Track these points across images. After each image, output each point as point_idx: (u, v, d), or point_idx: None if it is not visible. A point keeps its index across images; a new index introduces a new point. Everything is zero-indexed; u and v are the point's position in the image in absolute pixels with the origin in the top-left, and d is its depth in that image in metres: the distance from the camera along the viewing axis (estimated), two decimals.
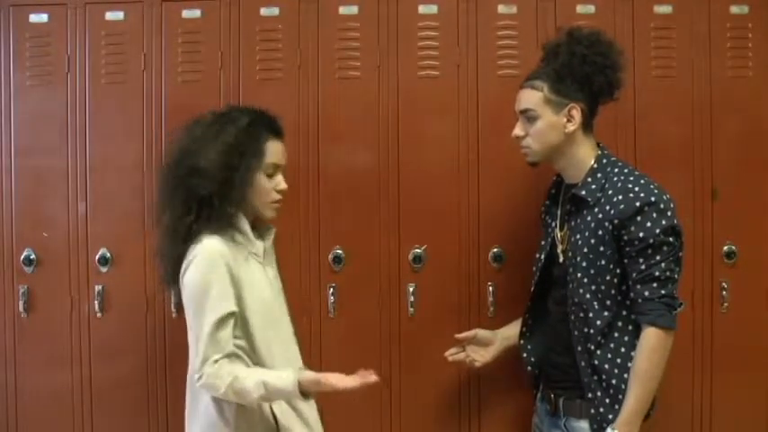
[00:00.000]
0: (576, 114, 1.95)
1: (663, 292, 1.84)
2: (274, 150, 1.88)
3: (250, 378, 1.72)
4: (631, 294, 1.88)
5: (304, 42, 2.46)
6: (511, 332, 2.21)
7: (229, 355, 1.75)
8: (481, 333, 2.21)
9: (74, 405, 2.48)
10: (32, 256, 2.48)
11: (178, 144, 1.86)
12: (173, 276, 1.85)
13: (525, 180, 2.36)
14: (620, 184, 1.90)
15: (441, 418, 2.46)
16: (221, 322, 1.74)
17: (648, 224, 1.84)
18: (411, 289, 2.43)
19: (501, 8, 2.45)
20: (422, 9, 2.45)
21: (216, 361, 1.73)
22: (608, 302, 1.90)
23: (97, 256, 2.47)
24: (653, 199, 1.86)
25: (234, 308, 1.77)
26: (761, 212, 2.45)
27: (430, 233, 2.44)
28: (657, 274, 1.84)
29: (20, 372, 2.49)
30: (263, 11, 2.47)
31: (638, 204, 1.85)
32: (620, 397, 1.88)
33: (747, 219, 2.44)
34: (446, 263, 2.44)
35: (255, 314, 1.81)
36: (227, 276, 1.76)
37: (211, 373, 1.73)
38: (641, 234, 1.84)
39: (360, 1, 2.45)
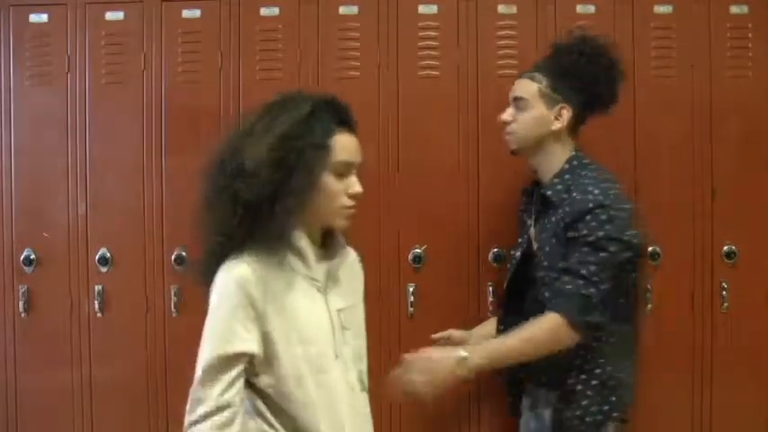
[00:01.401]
0: (566, 114, 1.97)
1: (584, 291, 1.79)
2: (345, 145, 1.52)
3: None
4: (556, 284, 1.84)
5: (304, 42, 2.46)
6: (486, 330, 2.20)
7: (223, 408, 1.42)
8: (455, 333, 2.19)
9: (74, 405, 2.48)
10: (32, 256, 2.48)
11: (225, 141, 1.54)
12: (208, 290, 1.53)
13: (525, 180, 2.36)
14: (582, 186, 1.90)
15: (441, 418, 2.46)
16: (221, 364, 1.42)
17: (594, 224, 1.82)
18: (411, 289, 2.43)
19: (501, 8, 2.45)
20: (422, 9, 2.46)
21: (206, 416, 1.41)
22: None
23: (97, 256, 2.47)
24: (607, 202, 1.84)
25: (244, 348, 1.43)
26: (761, 212, 2.45)
27: (430, 233, 2.44)
28: (585, 272, 1.80)
29: (20, 372, 2.49)
30: (263, 11, 2.47)
31: (590, 206, 1.84)
32: (584, 402, 1.89)
33: (747, 219, 2.44)
34: (446, 263, 2.44)
35: (292, 357, 1.46)
36: (244, 311, 1.43)
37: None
38: (584, 231, 1.82)
39: (360, 1, 2.45)
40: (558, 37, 2.11)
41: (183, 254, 2.45)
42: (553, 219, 1.94)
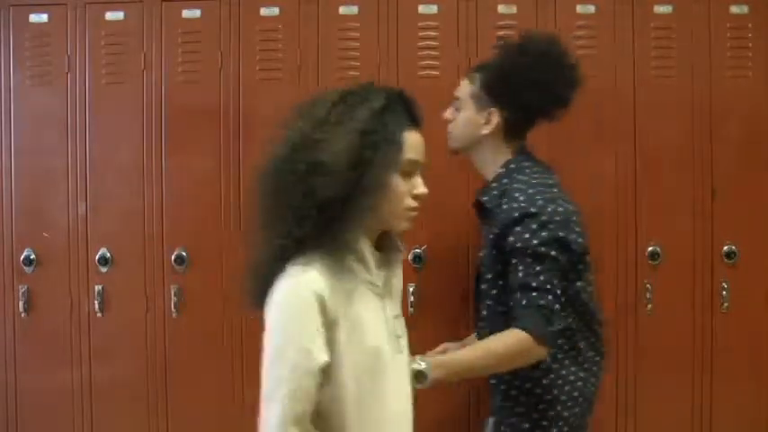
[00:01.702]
0: (494, 119, 1.90)
1: (541, 302, 1.73)
2: (413, 143, 1.42)
3: None
4: (510, 303, 1.78)
5: (304, 42, 2.46)
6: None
7: None
8: (450, 346, 2.12)
9: (74, 405, 2.48)
10: (32, 256, 2.48)
11: (293, 131, 1.37)
12: (260, 299, 1.39)
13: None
14: (513, 193, 1.83)
15: (440, 418, 2.46)
16: (302, 381, 1.30)
17: (526, 235, 1.76)
18: (411, 289, 2.43)
19: (501, 8, 2.45)
20: (422, 9, 2.45)
21: None
22: (485, 312, 1.89)
23: (97, 256, 2.47)
24: (533, 210, 1.77)
25: (324, 358, 1.32)
26: (761, 212, 2.45)
27: (430, 233, 2.44)
28: (535, 284, 1.73)
29: (20, 372, 2.49)
30: (263, 11, 2.47)
31: (516, 215, 1.78)
32: (513, 420, 1.87)
33: (747, 219, 2.44)
34: (446, 263, 2.44)
35: (353, 368, 1.36)
36: (317, 320, 1.31)
37: None
38: (519, 244, 1.76)
39: (360, 1, 2.45)
40: (506, 36, 2.07)
41: (183, 254, 2.45)
42: (490, 226, 1.88)
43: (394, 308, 1.50)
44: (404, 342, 1.51)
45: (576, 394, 1.87)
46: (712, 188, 2.44)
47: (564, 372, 1.85)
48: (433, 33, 2.45)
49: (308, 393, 1.31)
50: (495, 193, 1.89)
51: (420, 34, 2.45)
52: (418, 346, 2.42)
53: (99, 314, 2.47)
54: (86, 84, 2.48)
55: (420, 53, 2.45)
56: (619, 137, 2.42)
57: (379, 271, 1.45)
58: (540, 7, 2.44)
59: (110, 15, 2.48)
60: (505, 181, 1.89)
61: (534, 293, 1.74)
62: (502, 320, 1.82)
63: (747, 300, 2.43)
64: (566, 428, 1.86)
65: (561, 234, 1.77)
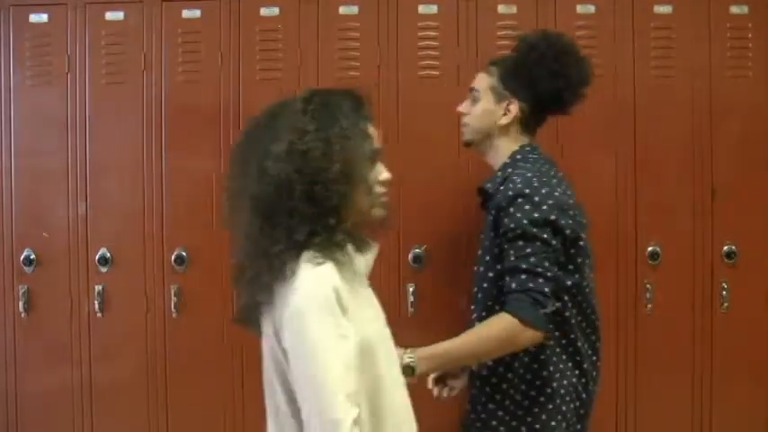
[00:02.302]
0: (513, 110, 1.93)
1: (531, 285, 1.72)
2: (375, 133, 1.51)
3: None
4: (503, 286, 1.78)
5: (304, 42, 2.46)
6: None
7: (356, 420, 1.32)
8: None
9: (74, 405, 2.48)
10: (32, 256, 2.48)
11: (272, 143, 1.39)
12: (260, 306, 1.43)
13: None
14: (511, 178, 1.86)
15: (440, 418, 2.46)
16: (348, 370, 1.34)
17: (518, 215, 1.77)
18: (411, 289, 2.43)
19: (501, 8, 2.45)
20: (422, 9, 2.46)
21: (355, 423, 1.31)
22: (480, 295, 1.88)
23: (97, 256, 2.47)
24: (527, 191, 1.78)
25: (356, 337, 1.38)
26: (761, 212, 2.45)
27: (430, 233, 2.44)
28: (526, 266, 1.73)
29: (20, 372, 2.49)
30: (263, 11, 2.47)
31: (510, 194, 1.80)
32: (491, 406, 1.86)
33: (747, 219, 2.44)
34: (446, 263, 2.44)
35: (363, 357, 1.40)
36: (340, 311, 1.36)
37: None
38: (512, 225, 1.77)
39: (360, 1, 2.45)
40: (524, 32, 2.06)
41: (183, 254, 2.45)
42: (489, 211, 1.91)
43: (373, 298, 1.57)
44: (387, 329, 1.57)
45: (571, 389, 1.86)
46: (712, 188, 2.44)
47: (562, 366, 1.85)
48: (433, 33, 2.45)
49: (356, 374, 1.35)
50: (498, 180, 1.92)
51: (420, 34, 2.45)
52: (418, 345, 2.43)
53: (99, 314, 2.47)
54: (86, 84, 2.48)
55: (420, 53, 2.45)
56: (619, 137, 2.42)
57: (362, 262, 1.51)
58: (540, 7, 2.44)
59: (110, 15, 2.48)
60: (510, 170, 1.92)
61: (524, 276, 1.74)
62: (496, 304, 1.83)
63: (747, 300, 2.43)
64: (563, 424, 1.85)
65: (553, 217, 1.77)
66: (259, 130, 1.44)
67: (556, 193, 1.81)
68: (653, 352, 2.41)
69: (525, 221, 1.76)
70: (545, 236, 1.76)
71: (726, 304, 2.43)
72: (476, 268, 1.93)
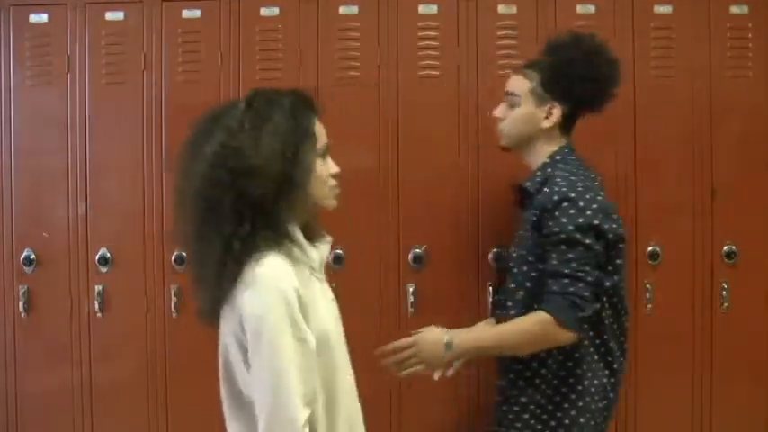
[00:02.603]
0: (556, 113, 1.96)
1: (571, 289, 1.78)
2: (321, 129, 1.54)
3: None
4: (546, 288, 1.82)
5: (304, 42, 2.46)
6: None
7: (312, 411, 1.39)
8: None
9: (74, 405, 2.48)
10: (32, 256, 2.48)
11: (210, 144, 1.43)
12: (217, 306, 1.47)
13: (525, 180, 2.36)
14: (553, 180, 1.89)
15: (441, 418, 2.46)
16: (302, 372, 1.37)
17: (563, 219, 1.80)
18: (411, 289, 2.43)
19: (501, 8, 2.45)
20: (422, 9, 2.46)
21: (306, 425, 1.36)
22: (521, 293, 1.90)
23: (97, 256, 2.47)
24: (572, 195, 1.82)
25: (313, 340, 1.41)
26: (761, 212, 2.45)
27: (430, 233, 2.44)
28: (568, 271, 1.78)
29: (20, 372, 2.49)
30: (263, 11, 2.47)
31: (555, 198, 1.83)
32: (523, 400, 1.88)
33: (747, 219, 2.44)
34: (446, 263, 2.44)
35: (318, 352, 1.44)
36: (297, 306, 1.39)
37: None
38: (556, 229, 1.81)
39: (360, 1, 2.45)
40: (554, 35, 2.09)
41: (183, 254, 2.44)
42: (532, 210, 1.92)
43: (329, 292, 1.60)
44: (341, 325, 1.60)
45: (600, 389, 1.89)
46: (712, 188, 2.44)
47: (594, 365, 1.89)
48: (433, 33, 2.45)
49: (311, 374, 1.39)
50: (538, 179, 1.94)
51: (420, 34, 2.45)
52: None
53: (99, 314, 2.47)
54: (86, 84, 2.48)
55: (420, 53, 2.45)
56: (619, 137, 2.42)
57: (316, 256, 1.54)
58: (540, 7, 2.44)
59: (110, 15, 2.48)
60: (549, 170, 1.94)
61: (565, 280, 1.78)
62: (535, 302, 1.86)
63: (747, 300, 2.43)
64: (591, 422, 1.88)
65: (596, 222, 1.81)
66: (199, 132, 1.47)
67: (599, 198, 1.85)
68: (653, 352, 2.41)
69: (570, 227, 1.80)
70: (588, 241, 1.80)
71: (726, 304, 2.43)
72: (513, 267, 1.94)
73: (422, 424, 2.47)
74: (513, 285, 1.93)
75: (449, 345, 1.84)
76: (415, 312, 2.43)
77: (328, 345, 1.48)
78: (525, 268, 1.91)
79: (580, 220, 1.80)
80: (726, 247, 2.43)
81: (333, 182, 1.56)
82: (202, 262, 1.45)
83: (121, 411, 2.48)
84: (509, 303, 1.94)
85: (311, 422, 1.39)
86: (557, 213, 1.82)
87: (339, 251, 2.43)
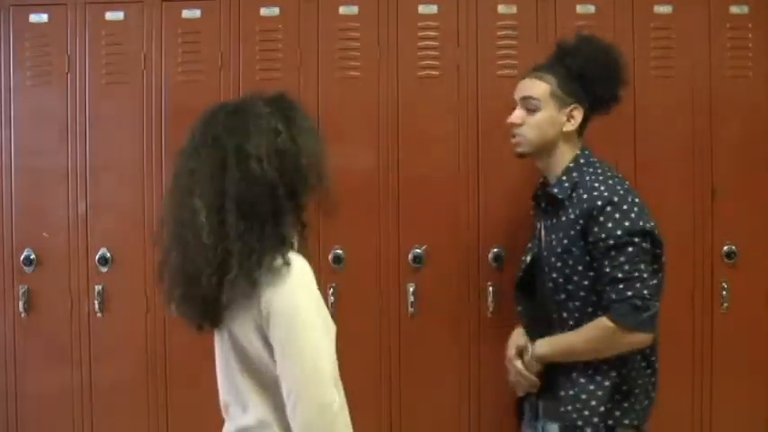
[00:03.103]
0: (578, 115, 1.97)
1: (629, 293, 1.80)
2: None
3: None
4: (603, 297, 1.85)
5: (304, 42, 2.46)
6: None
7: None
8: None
9: (74, 405, 2.48)
10: (32, 256, 2.48)
11: (247, 144, 1.45)
12: (237, 301, 1.46)
13: (525, 180, 2.36)
14: (588, 184, 1.90)
15: (441, 418, 2.46)
16: (333, 358, 1.47)
17: (609, 224, 1.83)
18: (411, 289, 2.43)
19: (501, 8, 2.45)
20: (422, 9, 2.45)
21: (341, 407, 1.45)
22: (578, 303, 1.90)
23: (97, 256, 2.47)
24: (615, 199, 1.84)
25: (335, 330, 1.51)
26: (761, 212, 2.45)
27: (430, 233, 2.44)
28: (621, 275, 1.81)
29: (20, 372, 2.49)
30: (263, 11, 2.47)
31: (599, 203, 1.84)
32: (584, 397, 1.87)
33: (747, 219, 2.44)
34: (446, 263, 2.44)
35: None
36: (321, 298, 1.50)
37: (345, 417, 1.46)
38: (602, 235, 1.83)
39: (360, 1, 2.45)
40: (560, 37, 2.10)
41: None
42: (563, 218, 1.92)
43: None
44: None
45: (643, 389, 1.91)
46: (712, 188, 2.44)
47: (637, 365, 1.90)
48: (433, 33, 2.45)
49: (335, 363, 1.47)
50: (566, 185, 1.94)
51: (420, 34, 2.45)
52: (418, 345, 2.44)
53: (99, 314, 2.47)
54: (86, 84, 2.48)
55: (420, 53, 2.45)
56: (619, 137, 2.42)
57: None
58: (540, 7, 2.44)
59: (110, 15, 2.48)
60: (575, 174, 1.94)
61: (621, 285, 1.81)
62: (569, 303, 1.90)
63: (747, 300, 2.43)
64: (636, 422, 1.89)
65: (642, 222, 1.84)
66: (226, 131, 1.47)
67: (638, 199, 1.88)
68: None
69: (618, 231, 1.82)
70: (636, 240, 1.82)
71: (726, 304, 2.43)
72: (559, 277, 1.92)
73: (422, 422, 2.47)
74: (562, 296, 1.92)
75: (526, 349, 1.92)
76: (415, 312, 2.43)
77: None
78: (576, 278, 1.89)
79: (626, 223, 1.82)
80: (726, 247, 2.43)
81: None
82: (238, 257, 1.43)
83: (121, 411, 2.48)
84: (563, 315, 1.92)
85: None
86: (602, 219, 1.83)
87: (339, 251, 2.43)
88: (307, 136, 1.51)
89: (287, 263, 1.43)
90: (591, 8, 2.44)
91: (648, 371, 1.93)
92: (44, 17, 2.49)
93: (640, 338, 1.83)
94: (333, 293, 2.42)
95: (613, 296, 1.82)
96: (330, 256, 2.44)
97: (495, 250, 2.43)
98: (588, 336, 1.86)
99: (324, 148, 1.54)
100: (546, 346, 1.93)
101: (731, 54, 2.45)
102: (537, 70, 2.01)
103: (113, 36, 2.48)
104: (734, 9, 2.45)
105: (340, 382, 1.48)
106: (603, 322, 1.83)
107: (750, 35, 2.45)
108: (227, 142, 1.46)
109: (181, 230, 1.47)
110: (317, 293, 1.47)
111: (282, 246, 1.45)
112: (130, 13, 2.47)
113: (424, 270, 2.44)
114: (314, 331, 1.44)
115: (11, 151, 2.50)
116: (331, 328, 1.49)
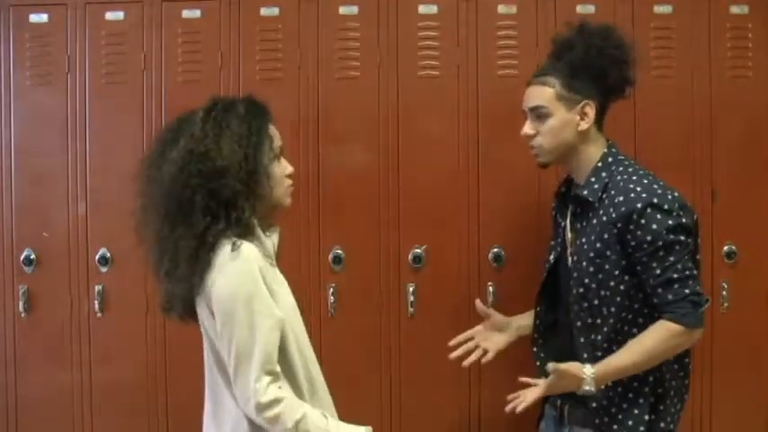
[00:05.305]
0: (591, 111, 1.90)
1: (687, 291, 1.77)
2: (275, 132, 1.71)
3: (320, 422, 1.58)
4: (654, 300, 1.80)
5: (304, 42, 2.46)
6: (524, 322, 2.11)
7: (279, 376, 1.57)
8: (497, 316, 2.12)
9: (73, 405, 2.48)
10: (32, 256, 2.48)
11: (176, 150, 1.62)
12: (190, 295, 1.63)
13: (525, 179, 2.36)
14: (621, 184, 1.83)
15: (442, 418, 2.46)
16: (272, 334, 1.56)
17: (654, 226, 1.77)
18: (411, 289, 2.43)
19: (501, 8, 2.45)
20: (422, 9, 2.46)
21: (273, 382, 1.55)
22: (613, 309, 1.83)
23: (97, 256, 2.47)
24: (655, 200, 1.78)
25: (280, 314, 1.59)
26: (761, 212, 2.45)
27: (430, 233, 2.44)
28: (676, 275, 1.77)
29: (20, 372, 2.49)
30: (263, 11, 2.47)
31: (639, 206, 1.78)
32: (625, 406, 1.83)
33: (747, 219, 2.45)
34: (446, 263, 2.44)
35: (289, 331, 1.63)
36: (264, 287, 1.59)
37: (274, 399, 1.53)
38: (648, 237, 1.77)
39: (360, 1, 2.45)
40: (555, 33, 2.06)
41: None
42: (594, 221, 1.86)
43: (282, 277, 1.73)
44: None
45: (676, 390, 1.89)
46: (712, 189, 2.44)
47: (669, 366, 1.87)
48: (433, 33, 2.45)
49: (275, 345, 1.57)
50: (595, 186, 1.88)
51: (420, 34, 2.45)
52: (418, 345, 2.44)
53: (99, 314, 2.47)
54: (86, 84, 2.48)
55: (420, 53, 2.45)
56: (619, 137, 2.41)
57: (269, 242, 1.70)
58: (540, 7, 2.44)
59: (110, 15, 2.48)
60: (604, 174, 1.88)
61: (676, 285, 1.77)
62: (603, 308, 1.84)
63: (747, 300, 2.44)
64: (672, 426, 1.88)
65: (683, 220, 1.80)
66: (163, 141, 1.67)
67: (675, 194, 1.83)
68: None
69: (663, 232, 1.78)
70: (681, 237, 1.79)
71: (726, 304, 2.43)
72: (590, 282, 1.85)
73: (422, 422, 2.47)
74: (595, 302, 1.85)
75: (589, 381, 1.77)
76: (415, 312, 2.43)
77: (293, 324, 1.64)
78: (612, 283, 1.83)
79: (669, 222, 1.78)
80: (726, 247, 2.43)
81: (288, 181, 1.73)
82: (174, 258, 1.60)
83: (121, 411, 2.48)
84: (596, 321, 1.85)
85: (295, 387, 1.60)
86: (643, 221, 1.78)
87: (339, 251, 2.43)
88: (233, 141, 1.60)
89: (234, 250, 1.55)
90: (591, 8, 2.45)
91: (681, 373, 1.89)
92: (44, 17, 2.49)
93: (699, 335, 1.82)
94: (333, 293, 2.42)
95: (670, 297, 1.77)
96: (330, 257, 2.44)
97: (495, 250, 2.43)
98: (652, 344, 1.78)
99: (259, 154, 1.62)
100: (611, 371, 1.79)
101: (731, 54, 2.45)
102: (539, 75, 1.95)
103: (113, 36, 2.48)
104: (734, 9, 2.45)
105: (298, 366, 1.60)
106: (667, 325, 1.77)
107: (750, 35, 2.45)
108: (158, 150, 1.67)
109: (145, 231, 1.71)
110: (257, 281, 1.55)
111: (213, 240, 1.56)
112: (130, 13, 2.47)
113: (424, 270, 2.44)
114: (248, 318, 1.54)
115: (11, 151, 2.50)
116: (274, 317, 1.56)
